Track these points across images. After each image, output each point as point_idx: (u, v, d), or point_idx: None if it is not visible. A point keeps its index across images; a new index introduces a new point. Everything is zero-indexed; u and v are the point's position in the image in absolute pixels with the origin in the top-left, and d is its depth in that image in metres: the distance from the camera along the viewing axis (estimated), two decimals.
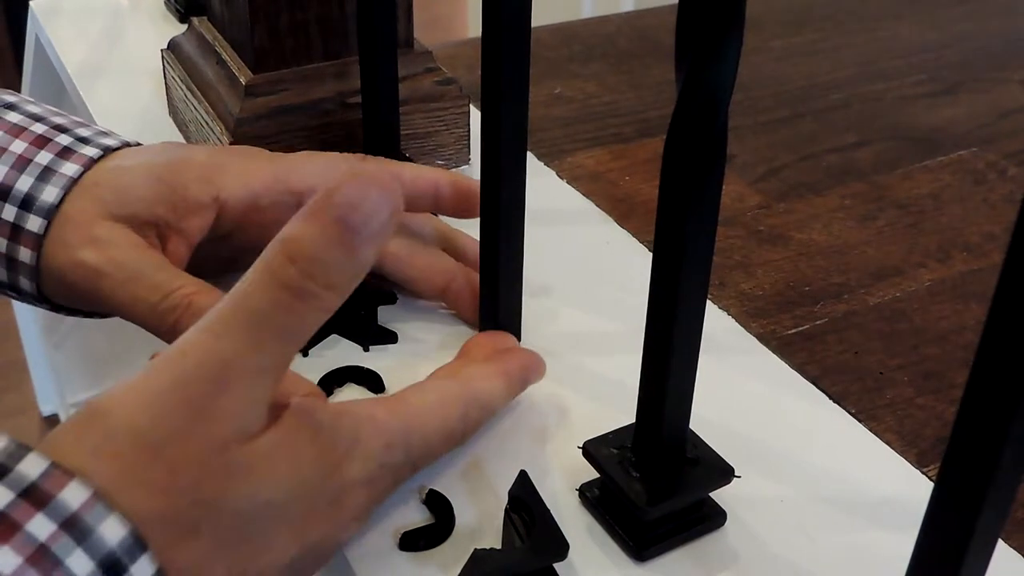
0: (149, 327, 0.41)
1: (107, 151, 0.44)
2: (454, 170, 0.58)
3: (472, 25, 2.54)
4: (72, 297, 0.44)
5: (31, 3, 0.80)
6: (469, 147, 0.59)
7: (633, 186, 0.60)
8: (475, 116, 0.58)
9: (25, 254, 0.43)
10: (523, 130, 0.41)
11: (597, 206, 0.58)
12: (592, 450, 0.37)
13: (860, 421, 0.43)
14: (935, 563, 0.27)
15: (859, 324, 0.50)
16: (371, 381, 0.44)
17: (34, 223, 0.42)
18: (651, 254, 0.32)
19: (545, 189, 0.59)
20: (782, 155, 0.65)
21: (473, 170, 0.59)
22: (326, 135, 0.55)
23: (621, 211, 0.57)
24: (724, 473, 0.36)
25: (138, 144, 0.47)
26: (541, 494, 0.37)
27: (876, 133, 0.68)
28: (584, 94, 0.72)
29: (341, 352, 0.45)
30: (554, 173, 0.61)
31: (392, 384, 0.43)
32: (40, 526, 0.26)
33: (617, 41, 0.81)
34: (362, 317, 0.47)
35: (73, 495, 0.27)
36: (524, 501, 0.37)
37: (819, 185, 0.62)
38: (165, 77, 0.64)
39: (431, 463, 0.38)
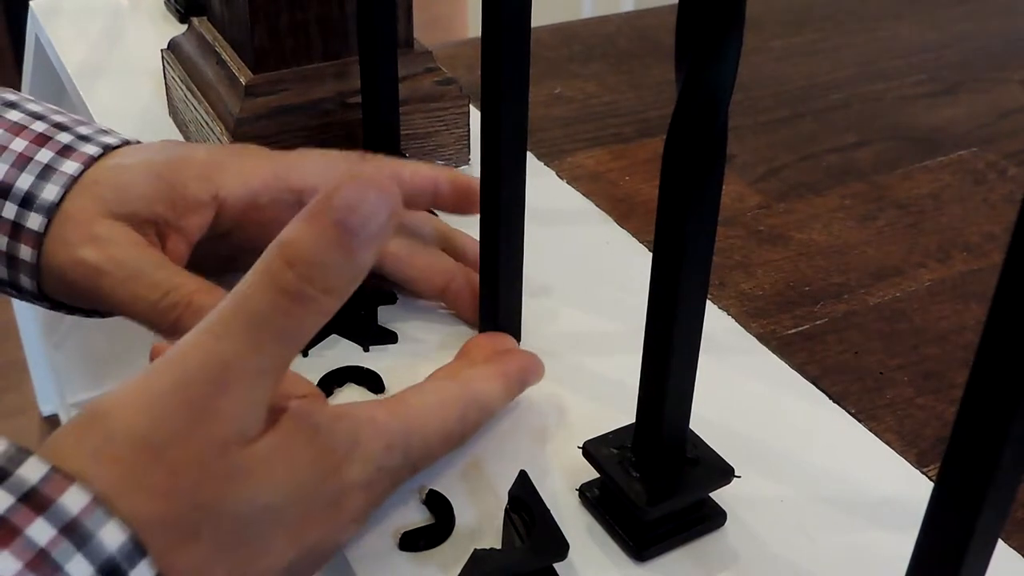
0: (149, 325, 0.41)
1: (107, 149, 0.44)
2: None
3: (472, 25, 2.54)
4: (72, 295, 0.44)
5: (31, 3, 0.80)
6: (469, 147, 0.59)
7: (633, 186, 0.60)
8: (475, 116, 0.58)
9: (26, 252, 0.43)
10: (523, 130, 0.41)
11: (597, 206, 0.58)
12: (592, 450, 0.37)
13: (860, 421, 0.43)
14: (935, 563, 0.27)
15: (859, 324, 0.50)
16: (371, 381, 0.44)
17: (35, 221, 0.42)
18: (651, 254, 0.32)
19: (545, 189, 0.59)
20: (782, 155, 0.65)
21: (473, 170, 0.59)
22: (326, 135, 0.55)
23: (621, 211, 0.57)
24: (724, 473, 0.36)
25: (138, 142, 0.47)
26: (541, 494, 0.37)
27: (876, 133, 0.68)
28: (584, 94, 0.72)
29: (341, 352, 0.45)
30: (554, 173, 0.61)
31: (392, 384, 0.43)
32: (40, 531, 0.26)
33: (617, 41, 0.81)
34: (362, 317, 0.47)
35: (73, 500, 0.27)
36: (524, 501, 0.37)
37: (819, 185, 0.62)
38: (165, 77, 0.64)
39: (429, 465, 0.38)
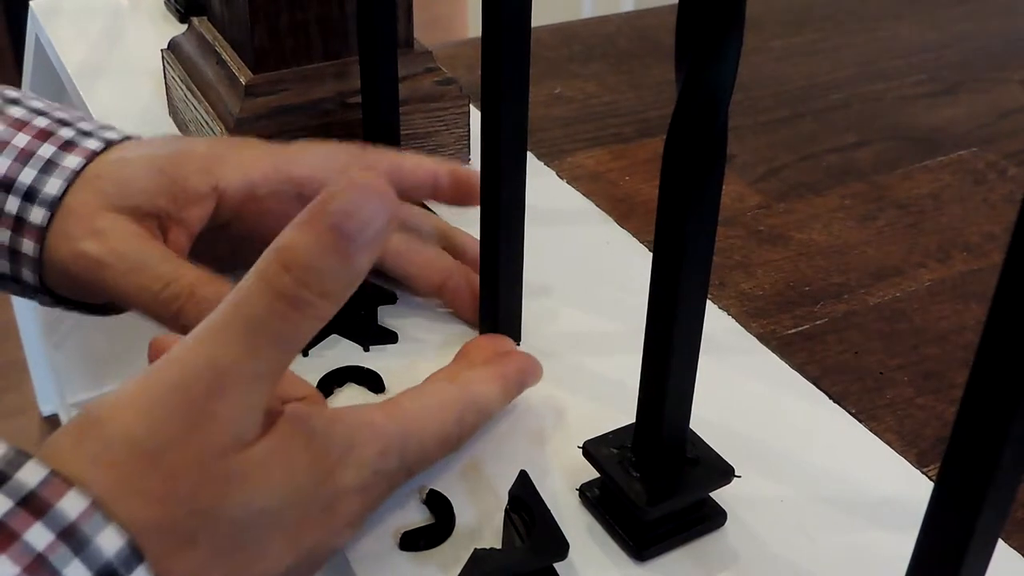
0: (152, 316, 0.41)
1: (109, 144, 0.45)
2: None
3: (472, 25, 2.54)
4: (74, 288, 0.44)
5: (31, 3, 0.80)
6: (469, 147, 0.59)
7: (633, 186, 0.60)
8: (475, 116, 0.58)
9: (28, 246, 0.43)
10: (523, 130, 0.41)
11: (597, 206, 0.58)
12: (592, 450, 0.37)
13: (860, 421, 0.43)
14: (935, 563, 0.27)
15: (859, 324, 0.50)
16: (371, 381, 0.44)
17: (37, 215, 0.42)
18: (651, 254, 0.32)
19: (545, 189, 0.59)
20: (782, 155, 0.65)
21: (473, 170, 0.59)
22: (326, 135, 0.54)
23: (621, 211, 0.57)
24: (724, 473, 0.36)
25: (140, 138, 0.47)
26: (541, 494, 0.37)
27: (876, 133, 0.68)
28: (584, 94, 0.72)
29: (341, 352, 0.45)
30: (554, 173, 0.61)
31: (392, 384, 0.44)
32: (38, 535, 0.26)
33: (617, 41, 0.81)
34: (362, 317, 0.47)
35: (72, 504, 0.27)
36: (524, 501, 0.37)
37: (819, 185, 0.62)
38: (165, 77, 0.64)
39: (427, 468, 0.38)
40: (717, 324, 0.48)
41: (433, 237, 0.49)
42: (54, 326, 1.26)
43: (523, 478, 0.37)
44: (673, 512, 0.36)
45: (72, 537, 0.27)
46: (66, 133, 0.44)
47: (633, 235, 0.55)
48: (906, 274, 0.54)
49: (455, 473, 0.39)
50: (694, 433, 0.37)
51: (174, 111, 0.63)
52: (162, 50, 0.63)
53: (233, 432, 0.30)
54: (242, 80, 0.54)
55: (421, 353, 0.46)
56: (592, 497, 0.38)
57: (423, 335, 0.47)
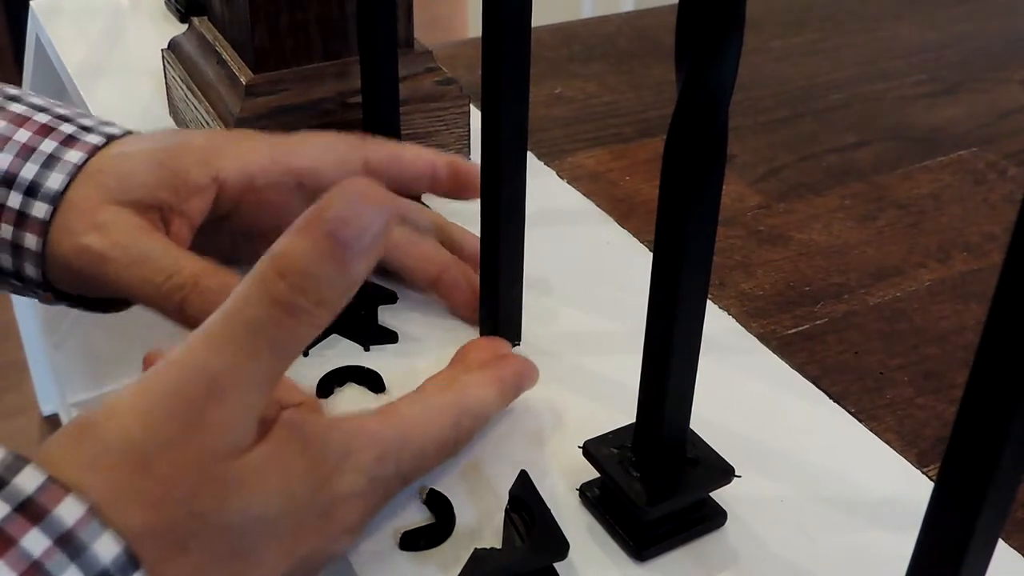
0: (156, 308, 0.41)
1: (110, 139, 0.45)
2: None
3: (472, 25, 2.54)
4: (77, 283, 0.44)
5: (31, 3, 0.80)
6: (469, 147, 0.59)
7: (633, 186, 0.60)
8: (475, 116, 0.58)
9: (31, 240, 0.43)
10: (523, 130, 0.41)
11: (597, 206, 0.58)
12: (592, 450, 0.37)
13: (860, 421, 0.43)
14: (935, 563, 0.27)
15: (859, 324, 0.50)
16: (371, 381, 0.44)
17: (40, 209, 0.43)
18: (651, 254, 0.32)
19: (545, 189, 0.59)
20: (782, 155, 0.65)
21: (472, 162, 0.59)
22: None
23: (621, 211, 0.57)
24: (724, 473, 0.36)
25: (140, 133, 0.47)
26: (541, 494, 0.37)
27: (876, 133, 0.68)
28: (584, 94, 0.72)
29: (341, 352, 0.45)
30: (554, 173, 0.61)
31: (392, 384, 0.44)
32: (35, 541, 0.26)
33: (617, 41, 0.81)
34: (362, 317, 0.47)
35: (68, 511, 0.27)
36: (524, 501, 0.37)
37: (819, 185, 0.62)
38: (165, 77, 0.64)
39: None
40: (717, 324, 0.48)
41: (430, 231, 0.49)
42: (54, 326, 1.26)
43: (523, 478, 0.37)
44: (673, 512, 0.36)
45: (69, 543, 0.27)
46: (67, 128, 0.44)
47: (633, 235, 0.55)
48: (906, 274, 0.54)
49: (455, 473, 0.39)
50: (694, 433, 0.37)
51: (174, 111, 0.63)
52: (162, 50, 0.63)
53: (228, 438, 0.30)
54: (242, 80, 0.54)
55: (421, 353, 0.46)
56: (592, 497, 0.38)
57: (423, 335, 0.47)
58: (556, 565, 0.35)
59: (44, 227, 0.43)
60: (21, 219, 0.43)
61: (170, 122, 0.64)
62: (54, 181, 0.43)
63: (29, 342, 1.37)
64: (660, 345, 0.34)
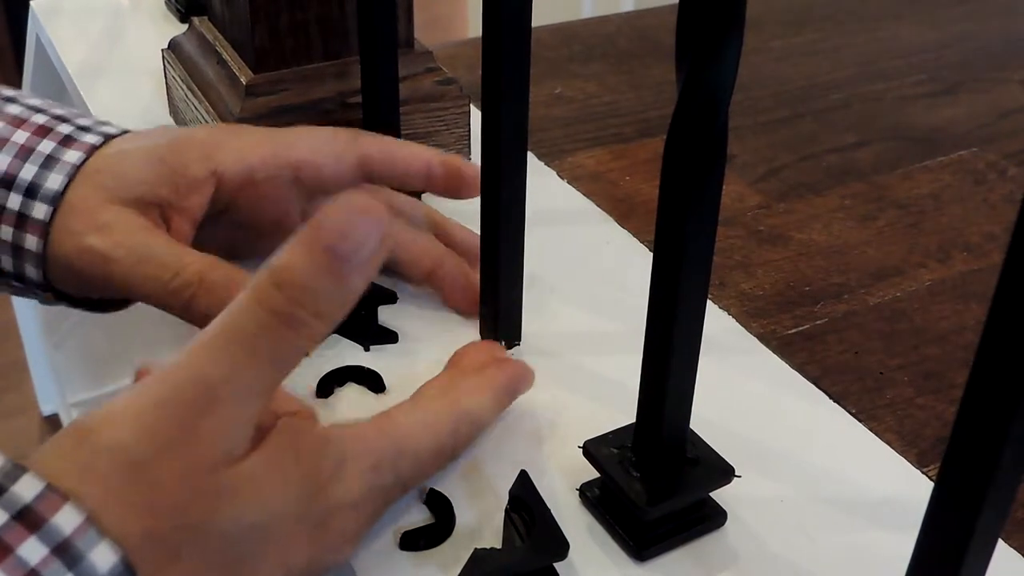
0: (164, 306, 0.41)
1: (108, 138, 0.45)
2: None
3: (472, 25, 2.54)
4: (80, 284, 0.44)
5: (31, 3, 0.80)
6: (469, 147, 0.59)
7: (633, 186, 0.60)
8: (475, 116, 0.58)
9: (31, 242, 0.43)
10: (523, 130, 0.41)
11: (597, 206, 0.58)
12: (592, 450, 0.37)
13: (860, 421, 0.43)
14: (935, 563, 0.27)
15: (859, 324, 0.50)
16: (371, 381, 0.44)
17: (40, 210, 0.43)
18: (651, 254, 0.32)
19: (545, 189, 0.59)
20: (782, 155, 0.65)
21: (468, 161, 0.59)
22: None
23: (621, 211, 0.57)
24: (724, 473, 0.36)
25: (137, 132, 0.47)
26: (541, 494, 0.37)
27: (876, 133, 0.68)
28: (584, 94, 0.72)
29: (341, 352, 0.45)
30: (554, 173, 0.61)
31: (392, 384, 0.44)
32: (32, 550, 0.26)
33: (617, 41, 0.81)
34: (362, 317, 0.47)
35: (66, 519, 0.27)
36: (524, 500, 0.37)
37: (819, 185, 0.62)
38: (166, 77, 0.64)
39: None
40: (717, 324, 0.48)
41: (425, 225, 0.49)
42: (54, 326, 1.26)
43: (523, 478, 0.37)
44: (673, 512, 0.36)
45: (66, 553, 0.27)
46: (64, 129, 0.44)
47: (633, 235, 0.55)
48: (906, 274, 0.54)
49: (455, 473, 0.39)
50: (694, 433, 0.37)
51: (175, 111, 0.63)
52: (163, 50, 0.63)
53: (222, 446, 0.30)
54: (243, 80, 0.54)
55: (421, 353, 0.46)
56: (592, 497, 0.38)
57: (423, 335, 0.47)
58: (556, 565, 0.35)
59: (44, 228, 0.43)
60: (21, 220, 0.43)
61: (170, 122, 0.64)
62: (53, 182, 0.43)
63: (29, 342, 1.37)
64: (660, 345, 0.34)
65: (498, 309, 0.44)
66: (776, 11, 0.87)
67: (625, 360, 0.40)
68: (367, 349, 0.46)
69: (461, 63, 0.71)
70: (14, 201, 0.43)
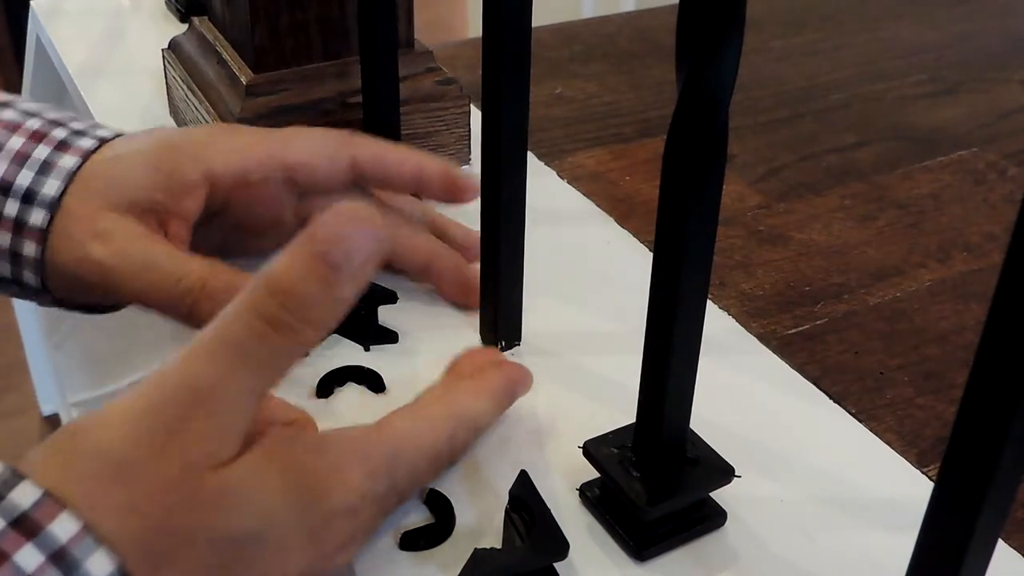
0: (166, 313, 0.41)
1: (102, 142, 0.45)
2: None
3: (472, 25, 2.54)
4: (80, 291, 0.44)
5: (32, 3, 0.80)
6: (469, 147, 0.59)
7: (633, 186, 0.60)
8: (475, 116, 0.58)
9: (30, 248, 0.43)
10: (523, 130, 0.41)
11: (597, 206, 0.58)
12: (592, 450, 0.37)
13: (860, 421, 0.43)
14: (935, 563, 0.27)
15: (859, 324, 0.50)
16: (371, 381, 0.44)
17: (37, 217, 0.42)
18: (651, 254, 0.32)
19: (545, 189, 0.59)
20: (782, 155, 0.65)
21: (473, 170, 0.59)
22: None
23: (621, 211, 0.57)
24: (724, 473, 0.36)
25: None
26: (541, 494, 0.37)
27: (876, 133, 0.68)
28: (585, 94, 0.72)
29: (341, 352, 0.45)
30: (554, 173, 0.61)
31: (392, 384, 0.44)
32: (29, 557, 0.26)
33: (617, 41, 0.81)
34: (362, 317, 0.47)
35: (63, 527, 0.27)
36: (524, 501, 0.37)
37: (819, 185, 0.62)
38: (166, 77, 0.64)
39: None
40: (717, 324, 0.48)
41: (421, 221, 0.49)
42: (54, 326, 1.26)
43: (523, 478, 0.37)
44: (673, 512, 0.36)
45: (62, 561, 0.27)
46: (59, 134, 0.44)
47: (633, 235, 0.55)
48: (906, 274, 0.54)
49: (455, 473, 0.39)
50: (694, 433, 0.37)
51: (175, 111, 0.63)
52: (163, 50, 0.63)
53: (207, 450, 0.30)
54: (243, 80, 0.54)
55: (421, 353, 0.46)
56: (592, 497, 0.38)
57: (423, 335, 0.47)
58: (556, 565, 0.35)
59: (42, 234, 0.42)
60: (19, 227, 0.43)
61: (170, 122, 0.64)
62: (50, 187, 0.43)
63: (29, 342, 1.37)
64: (660, 345, 0.34)
65: (498, 309, 0.44)
66: (776, 11, 0.87)
67: (625, 360, 0.40)
68: (367, 349, 0.46)
69: (461, 63, 0.71)
70: (11, 207, 0.43)
